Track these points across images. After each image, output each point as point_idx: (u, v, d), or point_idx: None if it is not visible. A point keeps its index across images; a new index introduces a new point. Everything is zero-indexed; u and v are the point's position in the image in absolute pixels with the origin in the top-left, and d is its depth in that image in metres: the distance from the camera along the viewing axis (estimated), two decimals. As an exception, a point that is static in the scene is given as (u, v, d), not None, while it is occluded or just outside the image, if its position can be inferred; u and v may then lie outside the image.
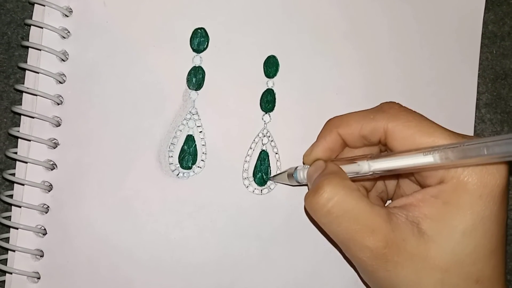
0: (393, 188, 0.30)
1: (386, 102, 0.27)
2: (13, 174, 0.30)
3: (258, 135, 0.32)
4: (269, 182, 0.31)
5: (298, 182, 0.29)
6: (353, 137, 0.27)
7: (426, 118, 0.25)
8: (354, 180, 0.25)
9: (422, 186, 0.26)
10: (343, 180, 0.24)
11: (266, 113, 0.32)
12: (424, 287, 0.24)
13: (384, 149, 0.28)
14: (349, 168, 0.26)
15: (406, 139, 0.24)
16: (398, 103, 0.26)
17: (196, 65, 0.32)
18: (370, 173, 0.25)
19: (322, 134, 0.28)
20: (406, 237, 0.23)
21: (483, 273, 0.24)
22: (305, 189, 0.32)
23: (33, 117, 0.30)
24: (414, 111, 0.25)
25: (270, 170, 0.32)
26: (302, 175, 0.29)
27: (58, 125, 0.30)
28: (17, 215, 0.30)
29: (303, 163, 0.30)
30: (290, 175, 0.30)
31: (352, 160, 0.26)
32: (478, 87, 0.35)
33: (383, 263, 0.23)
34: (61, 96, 0.31)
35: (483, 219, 0.23)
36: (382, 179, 0.30)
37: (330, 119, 0.28)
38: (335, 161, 0.27)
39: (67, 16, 0.31)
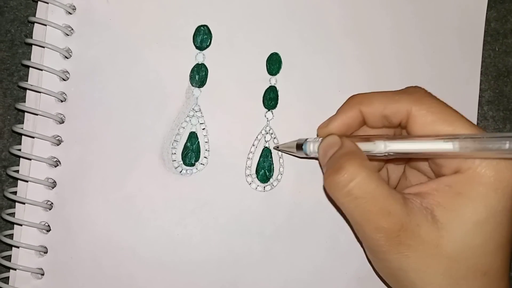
0: (397, 178, 0.30)
1: (412, 86, 0.27)
2: (17, 171, 0.30)
3: (261, 132, 0.32)
4: (271, 179, 0.32)
5: (306, 155, 0.29)
6: (374, 116, 0.27)
7: (449, 106, 0.25)
8: None
9: (436, 174, 0.26)
10: (364, 161, 0.24)
11: (268, 110, 0.32)
12: (432, 275, 0.24)
13: (399, 133, 0.28)
14: (364, 146, 0.25)
15: (427, 124, 0.24)
16: (423, 88, 0.26)
17: (199, 63, 0.32)
18: (385, 153, 0.25)
19: (342, 109, 0.28)
20: (420, 223, 0.23)
21: (491, 266, 0.24)
22: (308, 183, 0.32)
23: (36, 114, 0.30)
24: (438, 98, 0.25)
25: (273, 167, 0.32)
26: (312, 147, 0.28)
27: (62, 122, 0.31)
28: (21, 212, 0.30)
29: (317, 135, 0.29)
30: (299, 146, 0.29)
31: (368, 138, 0.26)
32: (480, 84, 0.35)
33: (396, 245, 0.23)
34: (64, 93, 0.31)
35: (496, 212, 0.23)
36: (391, 162, 0.29)
37: (353, 95, 0.28)
38: (350, 138, 0.27)
39: (71, 14, 0.31)
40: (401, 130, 0.27)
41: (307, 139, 0.29)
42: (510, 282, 0.25)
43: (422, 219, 0.23)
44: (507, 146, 0.21)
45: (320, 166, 0.31)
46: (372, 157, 0.26)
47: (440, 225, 0.23)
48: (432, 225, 0.23)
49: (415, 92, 0.26)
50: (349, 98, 0.28)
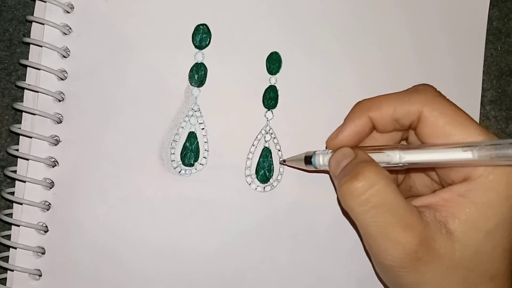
0: (401, 177, 0.29)
1: (421, 84, 0.26)
2: (15, 171, 0.30)
3: (260, 132, 0.31)
4: (271, 180, 0.31)
5: (315, 168, 0.28)
6: (385, 120, 0.26)
7: (460, 109, 0.24)
8: None
9: (443, 180, 0.25)
10: (382, 169, 0.23)
11: (268, 110, 0.32)
12: (446, 287, 0.23)
13: (406, 136, 0.27)
14: (377, 157, 0.24)
15: (439, 127, 0.24)
16: (433, 86, 0.25)
17: (198, 62, 0.31)
18: (400, 164, 0.24)
19: (350, 117, 0.27)
20: (435, 236, 0.22)
21: (498, 271, 0.23)
22: (308, 184, 0.31)
23: (34, 114, 0.30)
24: (448, 99, 0.24)
25: (273, 167, 0.31)
26: (321, 160, 0.27)
27: (60, 122, 0.30)
28: (18, 212, 0.30)
29: (326, 147, 0.28)
30: (307, 160, 0.28)
31: (380, 149, 0.25)
32: (483, 84, 0.34)
33: (413, 261, 0.22)
34: (62, 92, 0.30)
35: (506, 220, 0.23)
36: (399, 173, 0.29)
37: (359, 102, 0.27)
38: (362, 149, 0.26)
39: (69, 13, 0.31)
40: (408, 132, 0.27)
41: (315, 151, 0.28)
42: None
43: (437, 233, 0.22)
44: None
45: (331, 179, 0.31)
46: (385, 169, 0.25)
47: (454, 238, 0.22)
48: (447, 238, 0.22)
49: (425, 92, 0.25)
50: (356, 105, 0.27)
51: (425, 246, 0.22)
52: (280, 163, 0.31)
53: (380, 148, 0.25)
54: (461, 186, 0.23)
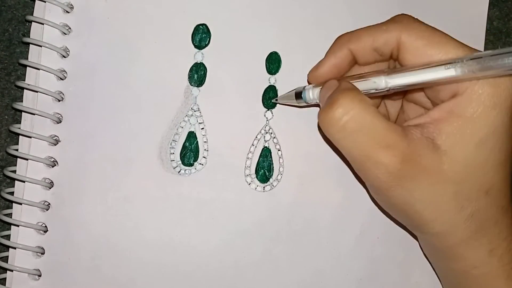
0: (396, 112, 0.29)
1: (399, 14, 0.26)
2: (14, 171, 0.30)
3: (260, 131, 0.31)
4: (271, 179, 0.31)
5: (306, 103, 0.29)
6: (365, 51, 0.26)
7: (438, 30, 0.24)
8: None
9: (434, 101, 0.25)
10: (359, 95, 0.23)
11: (268, 109, 0.32)
12: (438, 203, 0.23)
13: (393, 65, 0.27)
14: (363, 85, 0.25)
15: (419, 49, 0.24)
16: (410, 15, 0.26)
17: (198, 62, 0.31)
18: (386, 89, 0.24)
19: (331, 50, 0.27)
20: (422, 152, 0.23)
21: (492, 185, 0.24)
22: (309, 183, 0.31)
23: (34, 114, 0.30)
24: (425, 23, 0.25)
25: (273, 167, 0.31)
26: (311, 94, 0.28)
27: (59, 121, 0.30)
28: (18, 212, 0.30)
29: (308, 82, 0.29)
30: (298, 95, 0.29)
31: (365, 77, 0.25)
32: (483, 83, 0.34)
33: (398, 180, 0.23)
34: (62, 92, 0.30)
35: (495, 129, 0.23)
36: (388, 98, 0.29)
37: (340, 35, 0.27)
38: (347, 79, 0.26)
39: (68, 12, 0.31)
40: (394, 63, 0.27)
41: (305, 86, 0.29)
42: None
43: (423, 149, 0.23)
44: (506, 61, 0.20)
45: None
46: (371, 95, 0.25)
47: (441, 152, 0.23)
48: (434, 153, 0.23)
49: (402, 19, 0.25)
50: (337, 38, 0.27)
51: (409, 163, 0.23)
52: (273, 101, 0.31)
53: (365, 76, 0.25)
54: (449, 102, 0.23)
